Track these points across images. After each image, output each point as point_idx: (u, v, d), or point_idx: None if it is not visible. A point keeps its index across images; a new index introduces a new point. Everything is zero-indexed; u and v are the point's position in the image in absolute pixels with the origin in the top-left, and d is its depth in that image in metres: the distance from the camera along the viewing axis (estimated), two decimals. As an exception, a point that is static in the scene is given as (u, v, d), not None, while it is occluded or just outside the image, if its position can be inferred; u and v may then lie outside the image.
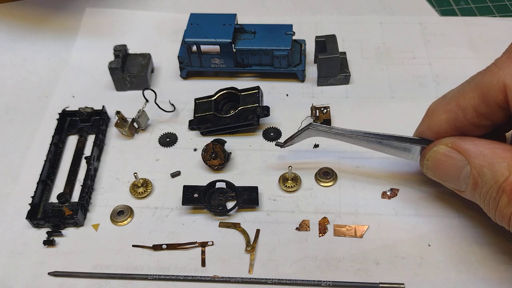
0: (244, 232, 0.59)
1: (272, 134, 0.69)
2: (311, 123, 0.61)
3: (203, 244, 0.58)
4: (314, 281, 0.54)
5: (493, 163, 0.47)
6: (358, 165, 0.65)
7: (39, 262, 0.57)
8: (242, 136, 0.69)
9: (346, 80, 0.75)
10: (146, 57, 0.76)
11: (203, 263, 0.56)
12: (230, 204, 0.61)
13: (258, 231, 0.59)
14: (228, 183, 0.62)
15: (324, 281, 0.54)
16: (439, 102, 0.54)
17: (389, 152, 0.59)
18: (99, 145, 0.67)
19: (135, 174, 0.62)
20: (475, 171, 0.49)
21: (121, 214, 0.61)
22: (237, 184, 0.62)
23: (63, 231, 0.60)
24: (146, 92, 0.71)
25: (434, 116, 0.54)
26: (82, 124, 0.70)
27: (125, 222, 0.61)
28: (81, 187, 0.62)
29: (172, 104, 0.72)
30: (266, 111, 0.68)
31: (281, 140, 0.65)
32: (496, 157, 0.47)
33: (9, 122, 0.72)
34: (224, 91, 0.71)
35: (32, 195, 0.61)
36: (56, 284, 0.55)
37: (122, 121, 0.68)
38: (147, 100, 0.70)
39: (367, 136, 0.58)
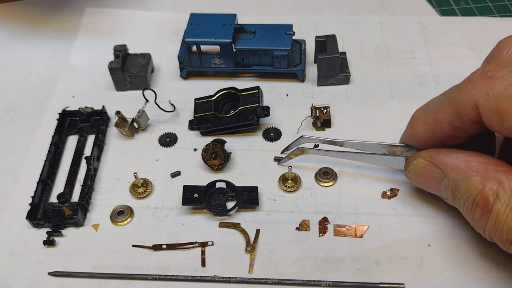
0: (244, 232, 0.59)
1: (272, 134, 0.69)
2: (298, 147, 0.64)
3: (203, 244, 0.58)
4: (314, 281, 0.54)
5: (467, 176, 0.49)
6: (358, 165, 0.65)
7: (39, 262, 0.57)
8: (242, 136, 0.69)
9: (346, 80, 0.75)
10: (146, 57, 0.76)
11: (203, 263, 0.56)
12: (230, 204, 0.61)
13: (258, 231, 0.59)
14: (228, 183, 0.62)
15: (324, 281, 0.54)
16: (421, 112, 0.56)
17: (377, 164, 0.62)
18: (99, 145, 0.67)
19: (135, 174, 0.62)
20: (452, 184, 0.51)
21: (121, 214, 0.61)
22: (237, 184, 0.62)
23: (63, 231, 0.60)
24: (146, 92, 0.71)
25: (415, 126, 0.56)
26: (82, 124, 0.70)
27: (125, 222, 0.61)
28: (81, 187, 0.62)
29: (172, 104, 0.72)
30: (266, 111, 0.68)
31: (284, 148, 0.67)
32: (471, 170, 0.49)
33: (9, 122, 0.72)
34: (224, 91, 0.71)
35: (32, 195, 0.61)
36: (56, 284, 0.55)
37: (122, 121, 0.68)
38: (147, 100, 0.70)
39: (354, 153, 0.61)
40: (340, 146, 0.62)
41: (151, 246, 0.58)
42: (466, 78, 0.50)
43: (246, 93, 0.69)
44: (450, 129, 0.51)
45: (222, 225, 0.60)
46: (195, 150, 0.68)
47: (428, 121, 0.53)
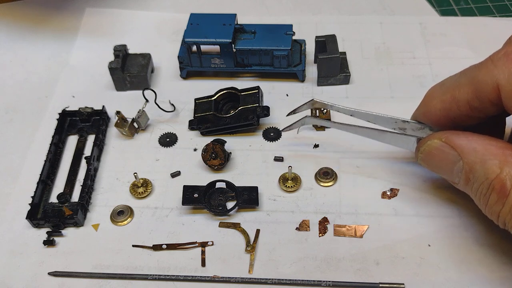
0: (244, 232, 0.59)
1: (272, 134, 0.69)
2: (306, 116, 0.62)
3: (203, 244, 0.58)
4: (314, 281, 0.54)
5: (485, 159, 0.48)
6: (358, 165, 0.65)
7: (39, 262, 0.57)
8: (242, 136, 0.69)
9: (346, 80, 0.75)
10: (146, 57, 0.76)
11: (203, 263, 0.56)
12: (230, 204, 0.61)
13: (258, 231, 0.59)
14: (228, 183, 0.62)
15: (324, 281, 0.54)
16: (436, 90, 0.55)
17: (386, 142, 0.60)
18: (99, 145, 0.67)
19: (135, 174, 0.62)
20: (467, 167, 0.49)
21: (121, 214, 0.61)
22: (237, 184, 0.62)
23: (63, 231, 0.60)
24: (146, 92, 0.71)
25: (429, 104, 0.54)
26: (82, 124, 0.70)
27: (125, 222, 0.61)
28: (81, 187, 0.62)
29: (172, 104, 0.72)
30: (266, 111, 0.68)
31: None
32: (488, 154, 0.48)
33: (9, 122, 0.72)
34: (224, 91, 0.71)
35: (32, 195, 0.61)
36: (56, 284, 0.55)
37: (122, 121, 0.68)
38: (147, 100, 0.70)
39: (364, 128, 0.59)
40: (351, 116, 0.60)
41: (151, 246, 0.58)
42: (488, 58, 0.48)
43: (246, 93, 0.69)
44: (467, 109, 0.50)
45: (222, 225, 0.60)
46: (195, 150, 0.68)
47: (444, 100, 0.52)
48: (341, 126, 0.61)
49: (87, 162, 0.65)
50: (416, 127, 0.58)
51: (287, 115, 0.65)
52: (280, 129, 0.65)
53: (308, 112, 0.69)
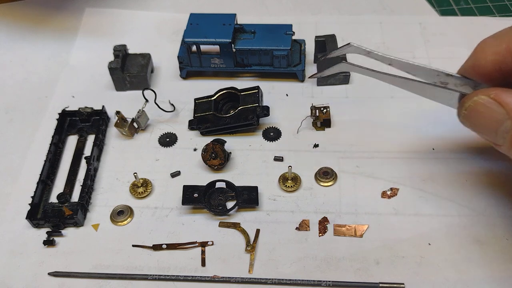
0: (244, 232, 0.59)
1: (272, 134, 0.69)
2: (342, 61, 0.58)
3: (203, 244, 0.58)
4: (314, 281, 0.54)
5: None
6: (358, 165, 0.65)
7: (39, 262, 0.57)
8: (242, 136, 0.69)
9: (346, 80, 0.75)
10: (146, 57, 0.76)
11: (203, 263, 0.56)
12: (230, 204, 0.61)
13: (258, 231, 0.59)
14: (228, 183, 0.62)
15: (324, 281, 0.54)
16: (489, 41, 0.52)
17: (426, 96, 0.56)
18: (99, 145, 0.67)
19: (135, 174, 0.62)
20: None
21: (121, 214, 0.61)
22: (237, 184, 0.62)
23: (63, 231, 0.60)
24: (146, 92, 0.71)
25: (480, 56, 0.51)
26: (82, 124, 0.70)
27: (125, 222, 0.61)
28: (81, 187, 0.62)
29: (172, 104, 0.72)
30: (266, 111, 0.68)
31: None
32: None
33: (9, 122, 0.72)
34: (224, 91, 0.71)
35: (32, 195, 0.61)
36: (56, 284, 0.55)
37: (122, 121, 0.68)
38: (147, 100, 0.70)
39: (403, 78, 0.55)
40: (389, 65, 0.56)
41: (151, 246, 0.58)
42: None
43: (246, 93, 0.69)
44: None
45: (222, 225, 0.60)
46: (195, 150, 0.68)
47: (498, 51, 0.49)
48: (378, 75, 0.56)
49: (87, 162, 0.65)
50: (460, 83, 0.53)
51: (317, 62, 0.62)
52: (308, 76, 0.60)
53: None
